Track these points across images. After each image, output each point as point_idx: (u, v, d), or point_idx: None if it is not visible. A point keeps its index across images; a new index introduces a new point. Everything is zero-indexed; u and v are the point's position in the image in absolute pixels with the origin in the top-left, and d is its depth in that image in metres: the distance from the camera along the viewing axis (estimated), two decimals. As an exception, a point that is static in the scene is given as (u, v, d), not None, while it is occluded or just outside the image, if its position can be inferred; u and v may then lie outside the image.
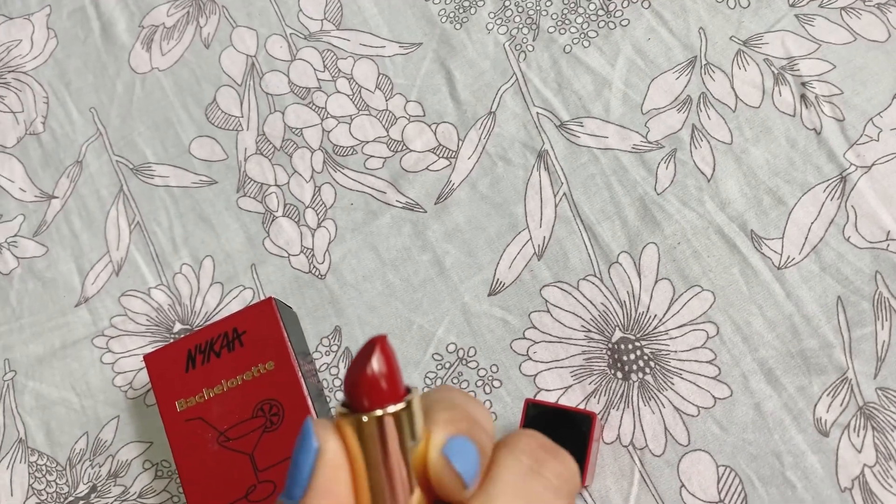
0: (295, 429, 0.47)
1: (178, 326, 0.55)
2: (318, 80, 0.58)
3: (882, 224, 0.50)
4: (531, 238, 0.53)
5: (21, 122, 0.61)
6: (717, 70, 0.54)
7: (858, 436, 0.47)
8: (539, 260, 0.53)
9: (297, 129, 0.58)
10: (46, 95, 0.61)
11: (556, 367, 0.51)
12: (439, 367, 0.52)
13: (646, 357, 0.50)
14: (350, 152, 0.57)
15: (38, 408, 0.55)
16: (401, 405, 0.24)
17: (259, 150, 0.58)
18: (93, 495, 0.53)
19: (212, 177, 0.58)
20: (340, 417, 0.24)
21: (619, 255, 0.52)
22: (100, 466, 0.53)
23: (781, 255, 0.50)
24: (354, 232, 0.55)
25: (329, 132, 0.57)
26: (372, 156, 0.56)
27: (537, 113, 0.55)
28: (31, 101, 0.61)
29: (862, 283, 0.49)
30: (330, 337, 0.54)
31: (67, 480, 0.54)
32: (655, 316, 0.51)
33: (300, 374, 0.48)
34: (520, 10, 0.57)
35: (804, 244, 0.50)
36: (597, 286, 0.52)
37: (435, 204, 0.55)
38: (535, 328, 0.52)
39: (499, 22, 0.57)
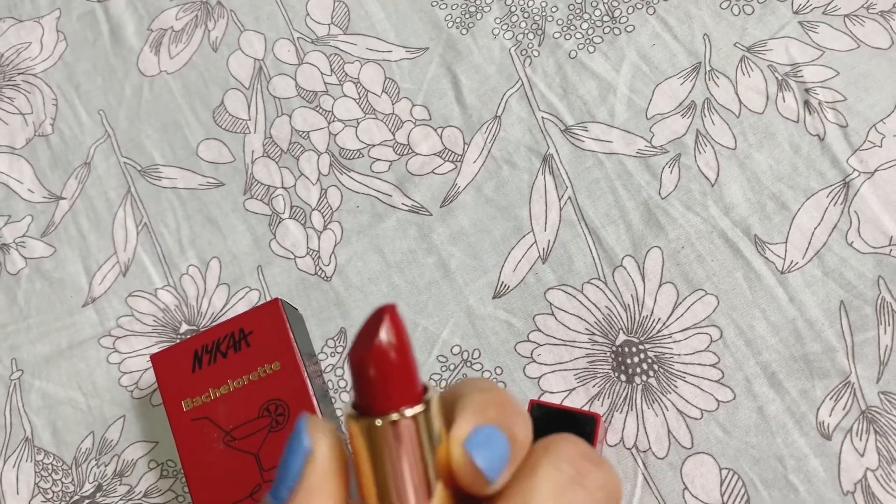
0: (300, 429, 0.48)
1: (184, 327, 0.56)
2: (325, 83, 0.59)
3: (885, 229, 0.50)
4: (536, 241, 0.53)
5: (30, 124, 0.61)
6: (721, 76, 0.54)
7: (861, 439, 0.47)
8: (544, 263, 0.53)
9: (303, 132, 0.58)
10: (55, 97, 0.62)
11: (560, 370, 0.51)
12: (444, 368, 0.52)
13: (649, 360, 0.50)
14: (356, 155, 0.57)
15: (45, 407, 0.55)
16: (419, 408, 0.22)
17: (266, 153, 0.58)
18: (98, 494, 0.53)
19: (219, 179, 0.58)
20: (350, 419, 0.22)
21: (623, 258, 0.52)
22: (105, 466, 0.54)
23: (785, 259, 0.50)
24: (360, 234, 0.56)
25: (336, 135, 0.58)
26: (378, 159, 0.57)
27: (542, 117, 0.55)
28: (40, 103, 0.62)
29: (865, 288, 0.49)
30: (335, 338, 0.54)
31: (73, 479, 0.54)
32: (659, 319, 0.51)
33: (306, 374, 0.49)
34: (525, 15, 0.58)
35: (807, 249, 0.50)
36: (601, 289, 0.52)
37: (440, 207, 0.55)
38: (540, 331, 0.52)
39: (505, 27, 0.58)
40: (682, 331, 0.50)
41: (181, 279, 0.57)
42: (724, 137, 0.53)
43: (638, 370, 0.50)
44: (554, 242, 0.53)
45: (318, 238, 0.56)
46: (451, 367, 0.52)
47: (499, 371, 0.52)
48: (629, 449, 0.49)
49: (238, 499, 0.47)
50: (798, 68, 0.53)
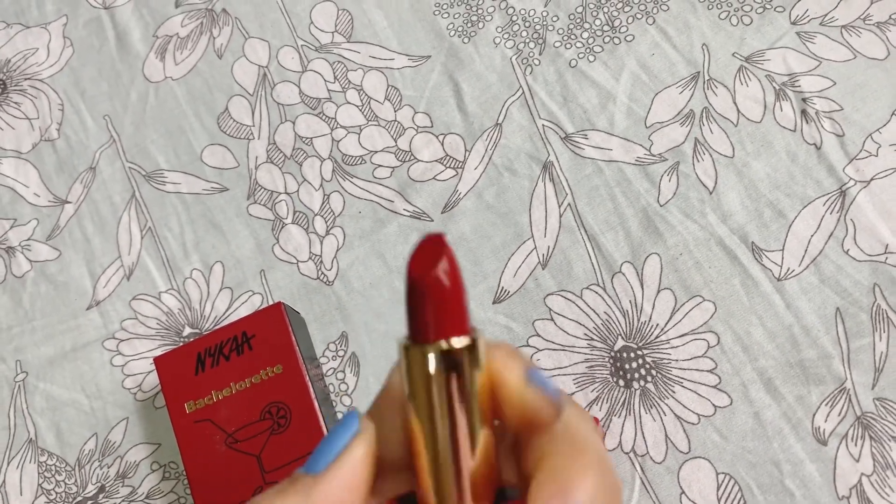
0: (302, 431, 0.48)
1: (187, 330, 0.56)
2: (329, 90, 0.60)
3: (881, 237, 0.50)
4: (536, 247, 0.54)
5: (36, 129, 0.62)
6: (719, 85, 0.55)
7: (856, 445, 0.48)
8: (543, 269, 0.54)
9: (307, 138, 0.59)
10: (62, 103, 0.63)
11: (559, 375, 0.52)
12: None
13: (647, 366, 0.51)
14: (359, 162, 0.58)
15: (49, 409, 0.56)
16: (468, 340, 0.23)
17: (270, 159, 0.59)
18: (101, 496, 0.54)
19: (223, 184, 0.59)
20: (405, 349, 0.23)
21: (622, 265, 0.53)
22: (108, 467, 0.54)
23: (781, 266, 0.51)
24: (362, 239, 0.56)
25: (339, 142, 0.58)
26: (380, 165, 0.57)
27: (543, 125, 0.56)
28: (46, 108, 0.63)
29: (860, 295, 0.50)
30: (337, 342, 0.55)
31: (76, 481, 0.54)
32: (657, 325, 0.51)
33: (307, 377, 0.49)
34: (527, 24, 0.58)
35: (804, 256, 0.51)
36: (600, 295, 0.52)
37: (441, 213, 0.56)
38: (539, 336, 0.53)
39: (506, 36, 0.58)
40: (679, 336, 0.51)
41: (185, 283, 0.57)
42: (722, 146, 0.54)
43: (636, 375, 0.51)
44: (553, 248, 0.54)
45: (321, 243, 0.57)
46: (452, 371, 0.53)
47: (498, 375, 0.52)
48: (627, 453, 0.50)
49: (239, 500, 0.48)
50: (795, 78, 0.54)
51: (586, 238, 0.54)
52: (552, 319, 0.53)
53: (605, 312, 0.52)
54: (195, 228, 0.58)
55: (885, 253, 0.50)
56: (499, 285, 0.54)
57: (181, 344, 0.56)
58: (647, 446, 0.50)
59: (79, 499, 0.54)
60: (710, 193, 0.53)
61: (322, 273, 0.56)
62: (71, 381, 0.56)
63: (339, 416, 0.53)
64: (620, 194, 0.54)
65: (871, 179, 0.51)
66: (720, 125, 0.54)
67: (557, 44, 0.58)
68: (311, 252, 0.57)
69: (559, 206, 0.55)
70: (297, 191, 0.58)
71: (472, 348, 0.23)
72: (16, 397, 0.57)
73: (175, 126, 0.61)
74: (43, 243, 0.59)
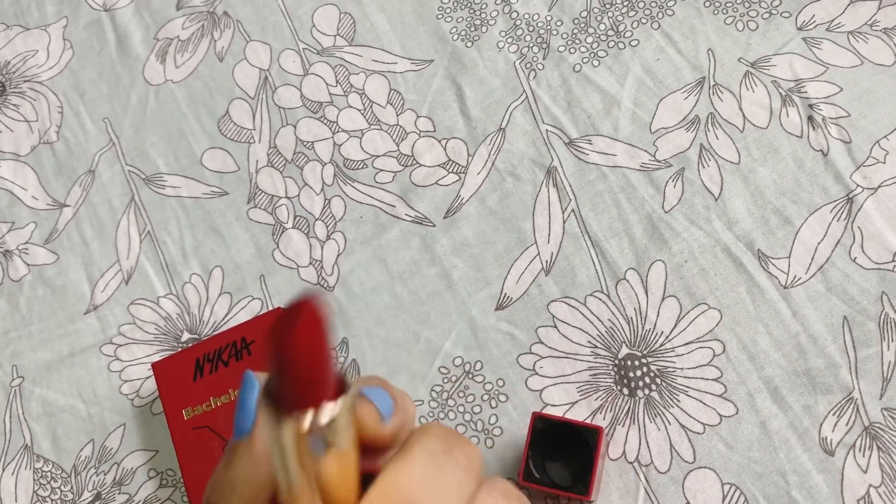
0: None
1: (186, 336, 0.56)
2: (331, 94, 0.59)
3: (888, 245, 0.50)
4: (539, 253, 0.53)
5: (35, 131, 0.62)
6: (725, 91, 0.54)
7: (864, 456, 0.47)
8: (547, 275, 0.53)
9: (308, 142, 0.58)
10: (61, 105, 0.62)
11: (562, 383, 0.51)
12: (445, 380, 0.52)
13: (652, 374, 0.50)
14: (360, 166, 0.57)
15: (45, 414, 0.55)
16: (333, 409, 0.22)
17: (270, 163, 0.58)
18: (97, 503, 0.53)
19: (223, 188, 0.58)
20: (262, 407, 0.22)
21: (626, 271, 0.52)
22: (105, 474, 0.54)
23: (788, 274, 0.50)
24: (363, 245, 0.56)
25: (340, 146, 0.58)
26: (382, 170, 0.57)
27: (546, 130, 0.56)
28: (45, 111, 0.62)
29: (868, 304, 0.49)
30: (337, 349, 0.54)
31: (72, 487, 0.54)
32: (662, 333, 0.51)
33: (307, 384, 0.48)
34: (531, 29, 0.58)
35: (811, 264, 0.50)
36: (604, 302, 0.52)
37: (444, 218, 0.55)
38: (542, 343, 0.52)
39: (510, 41, 0.58)
40: (684, 345, 0.50)
41: (184, 288, 0.57)
42: (727, 152, 0.53)
43: (640, 384, 0.50)
44: (557, 255, 0.53)
45: (322, 248, 0.56)
46: (453, 378, 0.52)
47: (500, 383, 0.52)
48: (631, 463, 0.49)
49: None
50: (802, 84, 0.54)
51: (590, 244, 0.53)
52: (555, 326, 0.52)
53: (609, 320, 0.52)
54: (195, 233, 0.58)
55: (893, 261, 0.50)
56: (501, 292, 0.53)
57: (179, 350, 0.55)
58: (651, 456, 0.49)
59: (74, 506, 0.53)
60: (716, 200, 0.52)
61: (323, 278, 0.55)
62: (68, 387, 0.56)
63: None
64: (625, 200, 0.53)
65: (879, 186, 0.51)
66: (726, 131, 0.54)
67: (561, 48, 0.57)
68: (311, 257, 0.56)
69: (563, 212, 0.54)
70: (298, 195, 0.57)
71: (328, 423, 0.22)
72: (12, 402, 0.56)
73: (175, 129, 0.60)
74: (41, 247, 0.59)
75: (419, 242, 0.55)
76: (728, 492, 0.48)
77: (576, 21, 0.58)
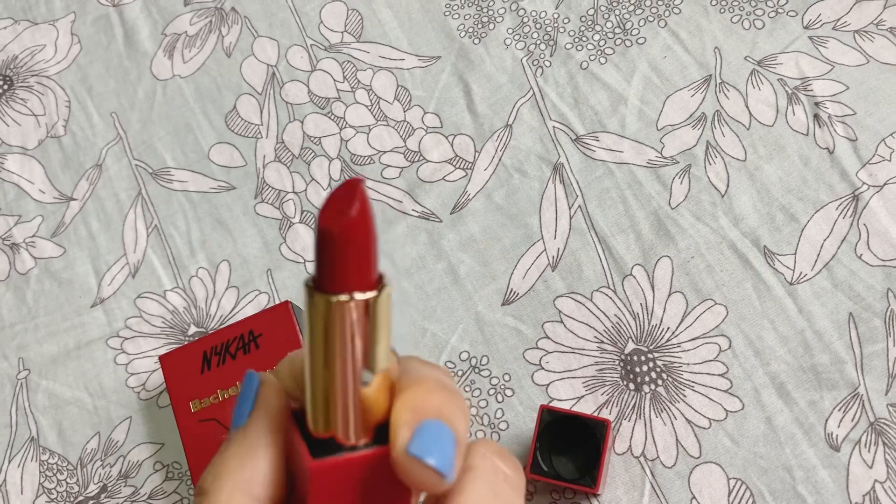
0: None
1: (192, 329, 0.56)
2: (338, 90, 0.59)
3: (894, 242, 0.50)
4: (545, 249, 0.54)
5: (42, 125, 0.62)
6: (731, 88, 0.55)
7: (870, 451, 0.47)
8: (553, 271, 0.53)
9: (315, 137, 0.58)
10: (68, 99, 0.62)
11: (568, 378, 0.51)
12: (452, 374, 0.52)
13: (658, 369, 0.50)
14: (367, 161, 0.57)
15: (51, 407, 0.55)
16: (371, 294, 0.22)
17: (277, 158, 0.58)
18: (103, 495, 0.53)
19: (230, 182, 0.58)
20: (307, 290, 0.22)
21: (632, 267, 0.52)
22: (111, 467, 0.54)
23: (794, 270, 0.51)
24: (370, 240, 0.56)
25: (347, 141, 0.58)
26: (389, 165, 0.57)
27: (553, 127, 0.56)
28: (52, 105, 0.62)
29: (874, 300, 0.49)
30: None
31: (78, 480, 0.54)
32: (668, 328, 0.51)
33: (315, 377, 0.48)
34: (538, 26, 0.58)
35: (816, 261, 0.51)
36: (610, 298, 0.52)
37: (450, 214, 0.55)
38: (549, 338, 0.52)
39: (517, 38, 0.58)
40: (690, 340, 0.51)
41: (190, 281, 0.57)
42: (734, 149, 0.53)
43: (647, 379, 0.50)
44: (564, 250, 0.53)
45: (328, 243, 0.56)
46: (460, 373, 0.52)
47: (507, 378, 0.52)
48: (637, 457, 0.49)
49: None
50: (808, 82, 0.54)
51: (597, 240, 0.53)
52: (562, 322, 0.52)
53: (615, 315, 0.52)
54: (202, 227, 0.58)
55: (899, 258, 0.50)
56: (508, 287, 0.53)
57: (186, 343, 0.55)
58: (657, 450, 0.49)
59: (80, 498, 0.53)
60: (722, 196, 0.53)
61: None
62: (74, 380, 0.56)
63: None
64: (631, 196, 0.54)
65: (885, 184, 0.51)
66: (732, 128, 0.54)
67: (569, 46, 0.57)
68: (318, 252, 0.56)
69: (569, 208, 0.54)
70: (305, 190, 0.57)
71: (375, 301, 0.23)
72: (18, 395, 0.56)
73: (182, 124, 0.60)
74: (48, 240, 0.59)
75: (426, 238, 0.55)
76: (734, 486, 0.48)
77: (583, 19, 0.58)
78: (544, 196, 0.55)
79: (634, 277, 0.52)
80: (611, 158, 0.55)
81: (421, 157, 0.57)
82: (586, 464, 0.47)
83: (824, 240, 0.51)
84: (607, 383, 0.51)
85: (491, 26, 0.59)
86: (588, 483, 0.44)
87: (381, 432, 0.24)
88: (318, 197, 0.57)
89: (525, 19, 0.59)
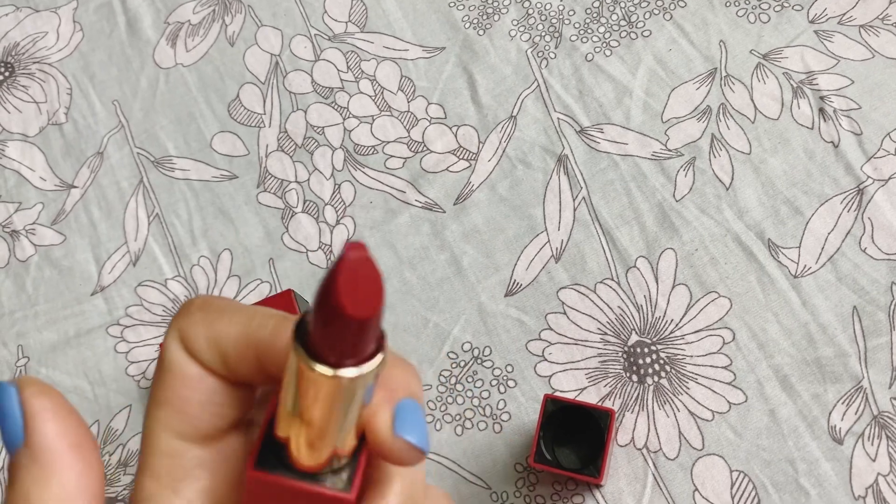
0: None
1: (193, 318, 0.55)
2: (342, 80, 0.59)
3: (898, 236, 0.50)
4: (549, 241, 0.53)
5: (44, 112, 0.61)
6: (736, 82, 0.55)
7: (873, 445, 0.47)
8: (557, 262, 0.53)
9: (318, 127, 0.58)
10: (70, 87, 0.62)
11: (571, 369, 0.51)
12: (454, 365, 0.52)
13: (661, 361, 0.50)
14: (371, 152, 0.57)
15: (50, 395, 0.55)
16: (367, 368, 0.20)
17: (280, 147, 0.58)
18: (102, 484, 0.53)
19: (232, 171, 0.58)
20: (298, 355, 0.20)
21: (636, 259, 0.52)
22: (110, 455, 0.53)
23: (798, 264, 0.51)
24: (373, 230, 0.55)
25: (350, 131, 0.58)
26: (392, 156, 0.57)
27: (558, 118, 0.56)
28: (54, 92, 0.62)
29: (878, 294, 0.49)
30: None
31: (77, 468, 0.53)
32: (672, 321, 0.51)
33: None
34: (543, 18, 0.58)
35: (821, 254, 0.51)
36: (614, 290, 0.52)
37: (454, 204, 0.55)
38: (552, 329, 0.52)
39: (522, 29, 0.58)
40: (694, 332, 0.50)
41: (192, 270, 0.56)
42: (738, 142, 0.53)
43: (650, 371, 0.50)
44: (567, 242, 0.53)
45: (331, 232, 0.56)
46: (462, 363, 0.52)
47: (510, 369, 0.52)
48: (640, 449, 0.49)
49: (245, 489, 0.47)
50: (813, 76, 0.54)
51: (601, 232, 0.53)
52: (565, 313, 0.52)
53: (618, 307, 0.52)
54: (203, 215, 0.57)
55: (903, 252, 0.50)
56: (511, 278, 0.53)
57: (187, 331, 0.55)
58: (660, 442, 0.49)
59: (79, 487, 0.53)
60: (727, 189, 0.53)
61: (332, 262, 0.55)
62: (73, 368, 0.55)
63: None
64: (636, 189, 0.53)
65: (889, 178, 0.51)
66: (737, 121, 0.54)
67: (573, 38, 0.57)
68: (320, 241, 0.56)
69: (573, 200, 0.54)
70: (308, 180, 0.57)
71: (365, 377, 0.21)
72: (16, 383, 0.55)
73: (185, 113, 0.60)
74: (48, 227, 0.59)
75: (429, 228, 0.55)
76: (736, 479, 0.48)
77: (588, 11, 0.58)
78: (548, 187, 0.54)
79: (638, 269, 0.52)
80: (615, 150, 0.54)
81: (425, 148, 0.57)
82: (589, 454, 0.47)
83: (829, 233, 0.51)
84: (610, 375, 0.50)
85: (496, 17, 0.59)
86: (592, 473, 0.44)
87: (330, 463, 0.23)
88: (321, 187, 0.57)
89: (530, 11, 0.58)
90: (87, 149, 0.60)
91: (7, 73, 0.63)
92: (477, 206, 0.55)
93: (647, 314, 0.51)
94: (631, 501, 0.48)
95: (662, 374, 0.50)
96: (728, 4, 0.56)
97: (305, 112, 0.59)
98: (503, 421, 0.51)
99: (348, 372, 0.20)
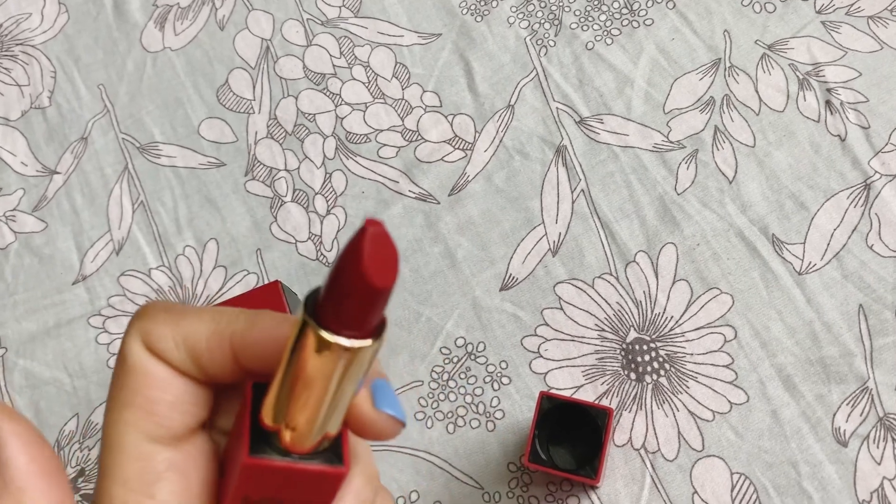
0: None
1: (178, 309, 0.53)
2: (334, 66, 0.57)
3: (906, 233, 0.49)
4: (546, 234, 0.52)
5: (26, 96, 0.59)
6: (741, 73, 0.53)
7: (878, 447, 0.46)
8: (554, 256, 0.51)
9: (310, 114, 0.56)
10: (54, 70, 0.60)
11: (567, 366, 0.49)
12: (447, 361, 0.50)
13: (661, 359, 0.49)
14: (363, 140, 0.55)
15: (28, 387, 0.53)
16: (367, 342, 0.21)
17: (270, 134, 0.56)
18: (80, 479, 0.51)
19: (220, 159, 0.56)
20: (306, 321, 0.21)
21: (636, 254, 0.51)
22: (89, 450, 0.51)
23: (803, 260, 0.49)
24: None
25: (343, 119, 0.56)
26: (386, 144, 0.55)
27: (557, 108, 0.54)
28: (38, 75, 0.60)
29: (885, 292, 0.48)
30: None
31: (54, 463, 0.51)
32: (672, 317, 0.49)
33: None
34: (542, 5, 0.56)
35: (826, 250, 0.49)
36: (612, 285, 0.50)
37: (449, 195, 0.54)
38: (548, 325, 0.50)
39: (520, 16, 0.56)
40: (695, 330, 0.49)
41: (177, 260, 0.55)
42: (742, 134, 0.52)
43: (648, 369, 0.49)
44: (565, 235, 0.52)
45: (321, 223, 0.54)
46: (455, 359, 0.50)
47: (504, 365, 0.50)
48: (637, 450, 0.47)
49: (228, 487, 0.45)
50: (820, 68, 0.52)
51: (599, 225, 0.51)
52: (561, 308, 0.50)
53: (617, 303, 0.50)
54: (189, 204, 0.56)
55: (911, 249, 0.48)
56: (507, 272, 0.52)
57: (171, 323, 0.53)
58: (658, 443, 0.47)
59: (56, 482, 0.51)
60: (730, 183, 0.51)
61: (321, 254, 0.54)
62: (53, 359, 0.53)
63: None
64: (636, 181, 0.52)
65: (897, 173, 0.50)
66: (741, 113, 0.52)
67: (574, 25, 0.56)
68: (310, 232, 0.54)
69: (572, 192, 0.52)
70: (298, 168, 0.55)
71: (366, 349, 0.21)
72: (-7, 374, 0.54)
73: (172, 98, 0.58)
74: (29, 214, 0.57)
75: (422, 220, 0.53)
76: (737, 481, 0.46)
77: (589, -2, 0.56)
78: (546, 179, 0.53)
79: (638, 264, 0.50)
80: (615, 142, 0.53)
81: (419, 137, 0.55)
82: (585, 454, 0.45)
83: (834, 229, 0.49)
84: (608, 373, 0.49)
85: (494, 3, 0.57)
86: (588, 474, 0.42)
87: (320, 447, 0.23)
88: (311, 175, 0.55)
89: (529, -2, 0.57)
90: (70, 134, 0.58)
91: (-11, 55, 0.61)
92: (472, 197, 0.53)
93: (647, 310, 0.50)
94: (628, 503, 0.47)
95: (662, 372, 0.48)
96: (733, -7, 0.55)
97: (296, 98, 0.57)
98: (497, 419, 0.49)
99: (362, 343, 0.21)
